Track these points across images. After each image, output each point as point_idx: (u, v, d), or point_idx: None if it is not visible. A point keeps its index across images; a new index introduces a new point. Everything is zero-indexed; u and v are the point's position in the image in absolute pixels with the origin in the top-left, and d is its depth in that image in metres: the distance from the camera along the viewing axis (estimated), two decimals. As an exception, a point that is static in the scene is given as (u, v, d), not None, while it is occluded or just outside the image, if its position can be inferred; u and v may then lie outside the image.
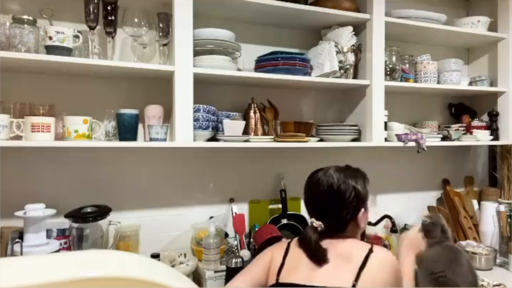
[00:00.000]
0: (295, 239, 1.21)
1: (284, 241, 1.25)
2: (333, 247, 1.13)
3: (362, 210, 1.20)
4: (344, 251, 1.12)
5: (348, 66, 1.83)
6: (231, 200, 1.86)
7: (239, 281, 1.18)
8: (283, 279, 1.11)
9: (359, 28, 1.89)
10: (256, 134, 1.75)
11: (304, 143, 1.72)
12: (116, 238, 1.58)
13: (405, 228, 2.07)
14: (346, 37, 1.83)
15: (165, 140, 1.54)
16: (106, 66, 1.44)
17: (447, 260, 1.38)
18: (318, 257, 1.10)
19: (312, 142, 1.77)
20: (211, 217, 1.80)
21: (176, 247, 1.75)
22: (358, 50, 1.88)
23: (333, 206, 1.16)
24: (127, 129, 1.54)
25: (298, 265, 1.12)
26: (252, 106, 1.77)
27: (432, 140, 2.02)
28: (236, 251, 1.72)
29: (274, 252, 1.21)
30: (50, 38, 1.37)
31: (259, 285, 1.17)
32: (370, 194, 2.28)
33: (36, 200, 1.40)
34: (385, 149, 2.12)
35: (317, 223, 1.14)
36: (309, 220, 1.19)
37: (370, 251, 1.10)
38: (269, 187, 1.95)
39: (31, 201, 1.38)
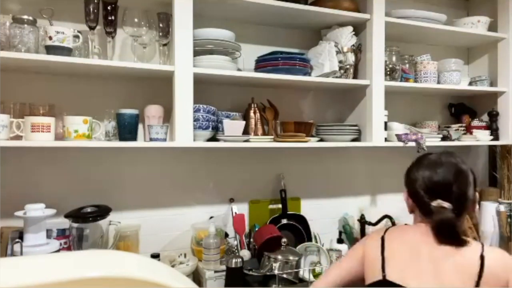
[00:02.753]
0: (390, 231, 1.18)
1: (375, 234, 1.21)
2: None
3: (476, 192, 1.18)
4: (457, 256, 1.05)
5: (348, 66, 1.83)
6: (231, 200, 1.86)
7: (332, 275, 1.21)
8: (392, 276, 1.08)
9: (359, 28, 1.89)
10: (256, 134, 1.75)
11: (304, 143, 1.72)
12: (116, 238, 1.58)
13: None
14: (346, 37, 1.83)
15: (165, 140, 1.54)
16: (106, 66, 1.44)
17: None
18: (457, 239, 1.06)
19: (312, 142, 1.77)
20: (211, 217, 1.80)
21: (176, 247, 1.75)
22: (358, 50, 1.88)
23: (461, 187, 1.11)
24: (127, 129, 1.54)
25: (407, 261, 1.09)
26: (252, 106, 1.77)
27: (432, 140, 2.02)
28: (236, 251, 1.72)
29: (366, 246, 1.19)
30: (50, 38, 1.37)
31: (351, 274, 1.19)
32: (369, 194, 2.29)
33: (36, 200, 1.40)
34: (385, 149, 2.12)
35: (446, 204, 1.08)
36: (433, 202, 1.10)
37: (482, 257, 1.03)
38: (269, 187, 1.95)
39: (31, 201, 1.38)
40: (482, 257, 1.04)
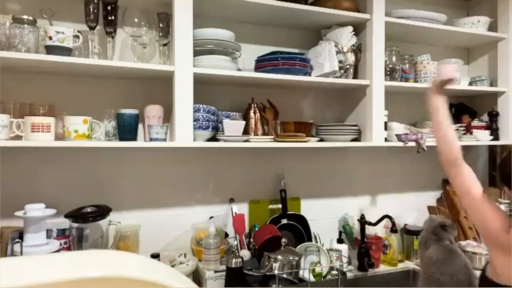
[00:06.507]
0: None
1: None
2: None
3: None
4: None
5: (348, 66, 1.83)
6: (231, 200, 1.86)
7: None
8: None
9: (359, 28, 1.89)
10: (256, 134, 1.75)
11: (304, 143, 1.72)
12: (116, 238, 1.58)
13: (405, 228, 2.07)
14: (346, 37, 1.83)
15: (165, 140, 1.54)
16: (106, 66, 1.44)
17: (439, 261, 1.40)
18: None
19: (312, 142, 1.77)
20: (211, 217, 1.80)
21: (176, 247, 1.75)
22: (358, 50, 1.88)
23: None
24: (127, 129, 1.54)
25: None
26: (252, 106, 1.76)
27: (432, 140, 2.01)
28: (236, 251, 1.72)
29: None
30: (50, 38, 1.37)
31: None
32: (369, 194, 2.28)
33: (36, 200, 1.40)
34: (385, 149, 2.12)
35: None
36: None
37: None
38: (269, 187, 1.95)
39: (31, 201, 1.38)
40: None
